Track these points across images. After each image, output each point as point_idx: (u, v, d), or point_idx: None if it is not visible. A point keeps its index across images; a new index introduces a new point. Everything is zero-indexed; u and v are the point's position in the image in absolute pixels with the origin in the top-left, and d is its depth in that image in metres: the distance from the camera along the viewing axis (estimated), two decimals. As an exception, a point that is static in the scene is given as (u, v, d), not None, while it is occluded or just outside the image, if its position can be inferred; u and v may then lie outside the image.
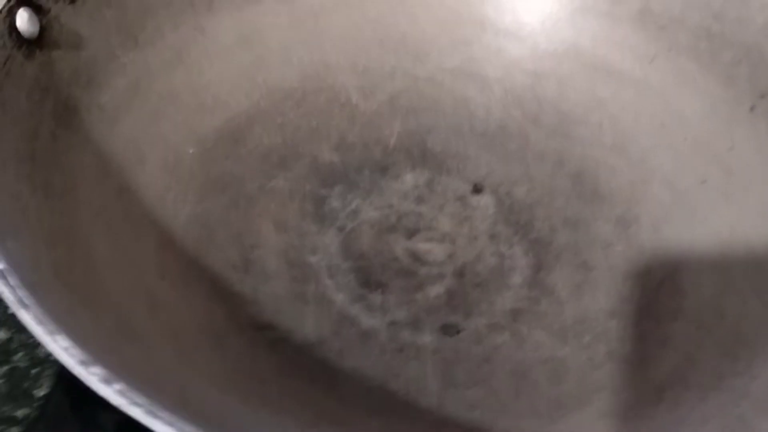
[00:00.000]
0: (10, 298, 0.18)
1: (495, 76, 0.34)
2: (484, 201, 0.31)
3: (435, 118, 0.33)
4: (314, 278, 0.28)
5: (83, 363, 0.16)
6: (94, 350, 0.17)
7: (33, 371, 0.27)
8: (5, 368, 0.27)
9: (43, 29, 0.26)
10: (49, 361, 0.27)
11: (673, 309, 0.27)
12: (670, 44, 0.33)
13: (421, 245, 0.30)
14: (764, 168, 0.30)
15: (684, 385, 0.24)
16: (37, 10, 0.26)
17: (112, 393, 0.16)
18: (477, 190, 0.32)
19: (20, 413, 0.26)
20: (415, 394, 0.25)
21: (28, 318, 0.18)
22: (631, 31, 0.33)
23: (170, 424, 0.16)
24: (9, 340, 0.28)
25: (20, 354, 0.28)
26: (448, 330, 0.27)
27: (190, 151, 0.29)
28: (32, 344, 0.28)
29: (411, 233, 0.30)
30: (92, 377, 0.16)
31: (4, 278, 0.19)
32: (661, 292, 0.28)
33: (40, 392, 0.27)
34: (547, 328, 0.27)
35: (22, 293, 0.18)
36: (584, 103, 0.33)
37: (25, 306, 0.18)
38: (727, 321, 0.26)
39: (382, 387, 0.25)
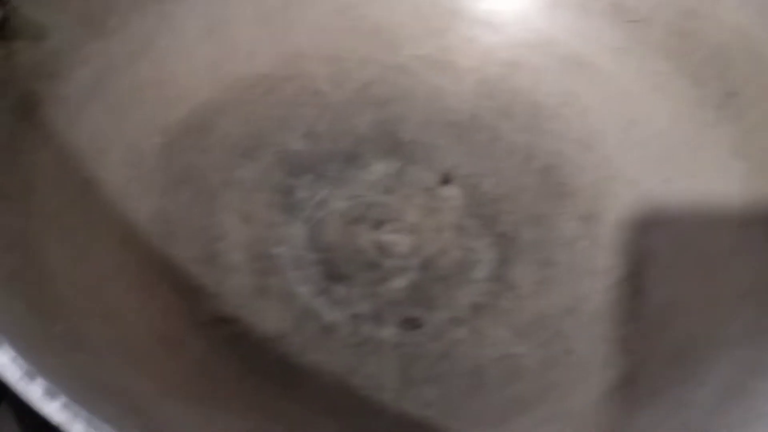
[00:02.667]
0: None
1: (468, 66, 0.34)
2: (452, 193, 0.31)
3: (406, 108, 0.33)
4: (278, 271, 0.28)
5: (28, 374, 0.17)
6: (40, 359, 0.17)
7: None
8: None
9: (3, 20, 0.26)
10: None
11: (630, 310, 0.28)
12: (641, 40, 0.33)
13: (387, 237, 0.30)
14: (726, 171, 0.30)
15: (634, 389, 0.25)
16: (-2, 1, 0.26)
17: (55, 409, 0.16)
18: (445, 181, 0.32)
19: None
20: (373, 390, 0.25)
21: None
22: (605, 25, 0.33)
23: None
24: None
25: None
26: (409, 324, 0.27)
27: (154, 143, 0.29)
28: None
29: (378, 224, 0.30)
30: (35, 390, 0.16)
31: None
32: (620, 293, 0.28)
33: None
34: (506, 324, 0.28)
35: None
36: (556, 96, 0.33)
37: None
38: (676, 328, 0.26)
39: (341, 384, 0.25)
